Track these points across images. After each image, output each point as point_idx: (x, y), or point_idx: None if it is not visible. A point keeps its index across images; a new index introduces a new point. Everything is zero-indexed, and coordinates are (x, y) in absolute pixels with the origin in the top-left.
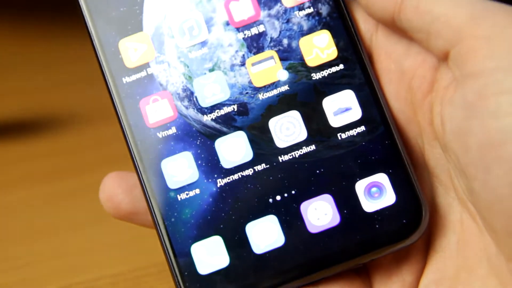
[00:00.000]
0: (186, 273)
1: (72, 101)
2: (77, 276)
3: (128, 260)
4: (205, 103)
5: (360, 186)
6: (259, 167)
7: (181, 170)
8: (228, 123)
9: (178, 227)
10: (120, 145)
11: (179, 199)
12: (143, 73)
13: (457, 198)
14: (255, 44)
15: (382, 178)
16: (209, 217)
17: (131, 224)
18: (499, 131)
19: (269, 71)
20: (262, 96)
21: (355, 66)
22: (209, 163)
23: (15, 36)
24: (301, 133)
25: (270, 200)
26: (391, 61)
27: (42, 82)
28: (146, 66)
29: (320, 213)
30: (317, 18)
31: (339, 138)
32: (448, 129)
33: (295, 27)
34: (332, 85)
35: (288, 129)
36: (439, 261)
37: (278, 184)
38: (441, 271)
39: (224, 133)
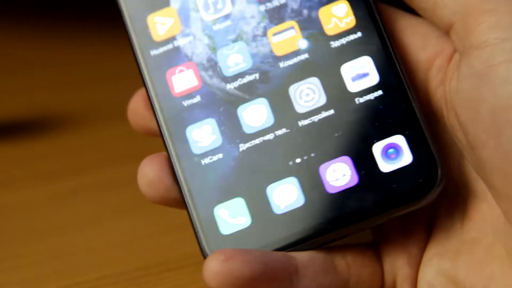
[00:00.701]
0: (209, 234)
1: (72, 101)
2: (77, 276)
3: (128, 260)
4: (228, 72)
5: (377, 148)
6: (279, 132)
7: (205, 136)
8: (250, 91)
9: (202, 190)
10: (121, 145)
11: (203, 164)
12: (169, 46)
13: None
14: (276, 16)
15: (398, 139)
16: (231, 180)
17: (131, 224)
18: (511, 95)
19: (290, 40)
20: (282, 64)
21: (373, 34)
22: (232, 129)
23: (15, 37)
24: (320, 99)
25: (290, 162)
26: (408, 53)
27: (42, 82)
28: (172, 39)
29: (338, 174)
30: None
31: (357, 102)
32: (456, 103)
33: None
34: (350, 52)
35: (307, 95)
36: (442, 236)
37: (298, 148)
38: (443, 245)
39: (246, 100)
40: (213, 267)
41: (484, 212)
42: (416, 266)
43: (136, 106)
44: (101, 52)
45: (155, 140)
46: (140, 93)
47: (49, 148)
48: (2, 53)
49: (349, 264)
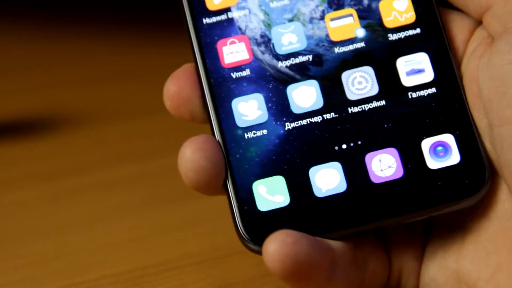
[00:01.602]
0: (245, 207)
1: (72, 101)
2: (77, 276)
3: (128, 260)
4: (281, 50)
5: (426, 144)
6: (328, 116)
7: (251, 110)
8: (302, 71)
9: (242, 164)
10: (121, 145)
11: (246, 137)
12: (223, 16)
13: None
14: (335, 1)
15: (448, 138)
16: (274, 158)
17: (131, 224)
18: None
19: (347, 27)
20: (337, 49)
21: (432, 32)
22: (279, 107)
23: (16, 36)
24: (373, 88)
25: (336, 147)
26: None
27: (42, 82)
28: (227, 10)
29: (384, 165)
30: None
31: (410, 97)
32: (484, 78)
33: None
34: (407, 47)
35: (360, 83)
36: (444, 228)
37: (345, 134)
38: (446, 237)
39: (297, 80)
40: (278, 249)
41: (485, 202)
42: (421, 260)
43: (180, 87)
44: (102, 52)
45: (155, 140)
46: (181, 74)
47: (49, 148)
48: (2, 53)
49: (366, 258)
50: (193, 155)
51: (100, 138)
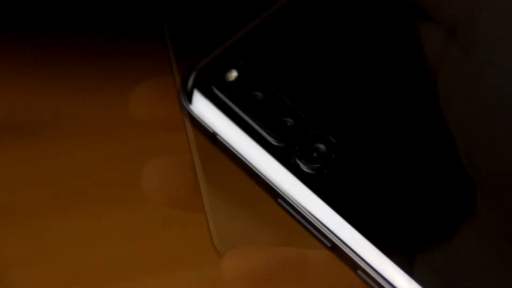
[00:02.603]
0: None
1: (71, 102)
2: (77, 276)
3: (127, 260)
4: None
5: None
6: None
7: None
8: None
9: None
10: (120, 146)
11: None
12: None
13: None
14: None
15: None
16: None
17: (130, 224)
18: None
19: None
20: None
21: None
22: None
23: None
24: None
25: None
26: None
27: (41, 83)
28: None
29: None
30: None
31: None
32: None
33: None
34: None
35: None
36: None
37: None
38: (434, 239)
39: None
40: (231, 265)
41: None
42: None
43: (141, 99)
44: (99, 54)
45: (154, 141)
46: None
47: (49, 149)
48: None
49: None
50: (146, 175)
51: (99, 138)
